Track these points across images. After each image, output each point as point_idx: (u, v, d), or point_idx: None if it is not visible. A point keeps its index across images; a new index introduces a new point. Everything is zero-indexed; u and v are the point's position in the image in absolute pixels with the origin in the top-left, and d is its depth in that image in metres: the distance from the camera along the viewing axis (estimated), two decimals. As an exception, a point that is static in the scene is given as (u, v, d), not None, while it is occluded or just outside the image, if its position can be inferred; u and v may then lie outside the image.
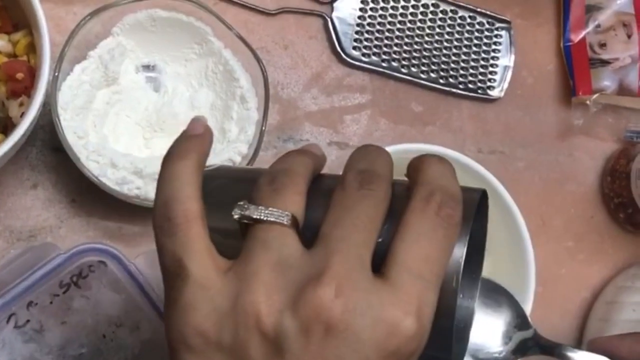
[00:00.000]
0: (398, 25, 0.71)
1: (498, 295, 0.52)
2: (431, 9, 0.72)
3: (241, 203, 0.36)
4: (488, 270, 0.44)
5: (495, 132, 0.73)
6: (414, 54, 0.71)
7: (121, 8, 0.61)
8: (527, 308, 0.63)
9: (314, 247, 0.35)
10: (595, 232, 0.74)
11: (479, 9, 0.73)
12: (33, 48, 0.58)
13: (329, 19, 0.70)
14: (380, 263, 0.35)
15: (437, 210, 0.35)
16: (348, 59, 0.70)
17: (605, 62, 0.74)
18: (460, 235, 0.35)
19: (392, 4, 0.71)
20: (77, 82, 0.60)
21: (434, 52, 0.72)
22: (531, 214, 0.68)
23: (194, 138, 0.39)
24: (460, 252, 0.35)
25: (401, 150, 0.61)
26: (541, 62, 0.75)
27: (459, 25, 0.72)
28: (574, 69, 0.74)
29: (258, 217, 0.35)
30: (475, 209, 0.37)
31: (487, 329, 0.51)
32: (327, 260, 0.34)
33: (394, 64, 0.71)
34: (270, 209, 0.35)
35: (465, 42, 0.72)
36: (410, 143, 0.66)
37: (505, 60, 0.73)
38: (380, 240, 0.35)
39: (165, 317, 0.36)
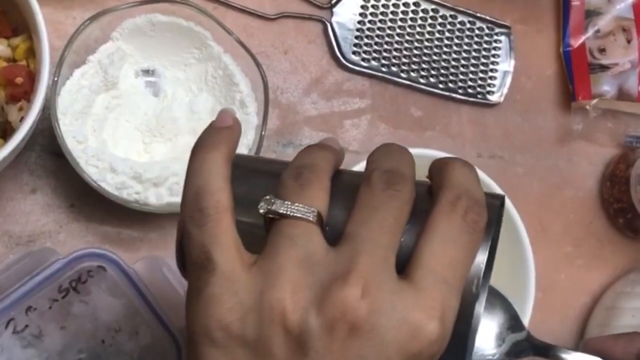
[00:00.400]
0: (398, 30, 0.71)
1: (491, 297, 0.52)
2: (431, 14, 0.72)
3: (268, 197, 0.36)
4: (488, 276, 0.44)
5: (494, 137, 0.73)
6: (414, 58, 0.71)
7: (120, 13, 0.61)
8: (527, 313, 0.63)
9: (339, 245, 0.35)
10: (595, 237, 0.74)
11: (478, 14, 0.73)
12: (32, 52, 0.58)
13: (328, 24, 0.70)
14: (401, 263, 0.35)
15: (464, 215, 0.35)
16: (348, 64, 0.70)
17: (604, 67, 0.74)
18: (482, 241, 0.36)
19: (392, 9, 0.71)
20: (76, 87, 0.60)
21: (434, 57, 0.72)
22: (530, 219, 0.68)
23: (224, 130, 0.40)
24: (482, 257, 0.36)
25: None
26: (541, 67, 0.75)
27: (458, 30, 0.72)
28: (574, 74, 0.74)
29: (284, 212, 0.35)
30: (497, 215, 0.37)
31: (481, 331, 0.51)
32: (353, 259, 0.34)
33: (394, 68, 0.71)
34: (296, 204, 0.35)
35: (465, 47, 0.72)
36: (410, 148, 0.66)
37: (505, 65, 0.73)
38: (401, 240, 0.35)
39: (188, 308, 0.36)
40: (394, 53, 0.71)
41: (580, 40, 0.74)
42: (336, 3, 0.70)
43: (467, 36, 0.73)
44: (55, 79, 0.58)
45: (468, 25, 0.73)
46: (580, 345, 0.70)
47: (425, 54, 0.72)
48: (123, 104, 0.63)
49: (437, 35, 0.72)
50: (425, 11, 0.72)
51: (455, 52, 0.72)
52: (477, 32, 0.73)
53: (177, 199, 0.60)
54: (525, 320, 0.62)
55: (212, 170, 0.37)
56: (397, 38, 0.71)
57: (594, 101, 0.72)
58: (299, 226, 0.35)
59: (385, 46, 0.71)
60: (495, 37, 0.73)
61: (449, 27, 0.72)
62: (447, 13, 0.72)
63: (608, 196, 0.74)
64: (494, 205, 0.37)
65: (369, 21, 0.71)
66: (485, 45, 0.73)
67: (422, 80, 0.71)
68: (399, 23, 0.71)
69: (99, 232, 0.63)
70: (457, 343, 0.35)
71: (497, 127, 0.73)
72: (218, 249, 0.35)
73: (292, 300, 0.33)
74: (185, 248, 0.36)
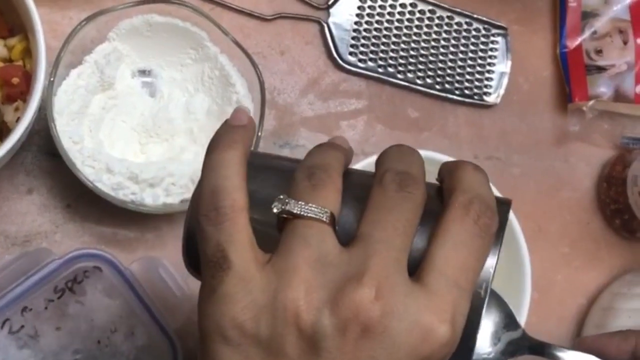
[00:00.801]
0: (394, 31, 0.71)
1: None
2: (428, 14, 0.72)
3: (282, 197, 0.36)
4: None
5: (491, 138, 0.73)
6: (411, 59, 0.71)
7: (117, 13, 0.61)
8: (523, 314, 0.63)
9: (352, 245, 0.35)
10: (591, 238, 0.74)
11: (475, 15, 0.73)
12: (29, 53, 0.58)
13: (325, 25, 0.70)
14: (412, 265, 0.35)
15: (476, 219, 0.35)
16: (344, 65, 0.70)
17: (601, 69, 0.74)
18: (493, 245, 0.36)
19: (388, 9, 0.71)
20: (72, 87, 0.60)
21: (431, 58, 0.72)
22: (527, 220, 0.68)
23: (240, 128, 0.39)
24: (491, 262, 0.36)
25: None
26: (537, 68, 0.75)
27: (455, 31, 0.72)
28: (570, 76, 0.74)
29: (298, 212, 0.35)
30: (506, 220, 0.37)
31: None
32: (367, 261, 0.34)
33: (390, 69, 0.71)
34: (310, 205, 0.35)
35: (462, 48, 0.72)
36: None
37: (502, 66, 0.73)
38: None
39: (201, 306, 0.36)
40: (391, 54, 0.71)
41: (577, 41, 0.75)
42: (333, 4, 0.70)
43: (464, 37, 0.73)
44: (52, 79, 0.58)
45: (465, 26, 0.73)
46: (574, 343, 0.70)
47: (421, 55, 0.72)
48: (119, 104, 0.63)
49: (434, 36, 0.72)
50: (422, 12, 0.72)
51: (451, 53, 0.72)
52: (473, 33, 0.73)
53: (173, 199, 0.60)
54: (522, 321, 0.62)
55: (229, 170, 0.37)
56: (393, 39, 0.71)
57: (591, 102, 0.72)
58: (313, 226, 0.35)
59: (382, 47, 0.71)
60: (491, 38, 0.73)
61: (445, 28, 0.72)
62: (444, 14, 0.72)
63: (605, 197, 0.74)
64: (503, 210, 0.37)
65: (366, 22, 0.71)
66: (481, 47, 0.73)
67: (418, 81, 0.71)
68: (396, 24, 0.71)
69: (95, 233, 0.63)
70: (463, 345, 0.36)
71: (493, 128, 0.73)
72: (233, 247, 0.35)
73: (306, 301, 0.34)
74: (200, 246, 0.37)
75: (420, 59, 0.71)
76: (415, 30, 0.72)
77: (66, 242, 0.62)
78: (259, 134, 0.62)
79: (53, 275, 0.56)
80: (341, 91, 0.70)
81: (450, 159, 0.63)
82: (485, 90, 0.73)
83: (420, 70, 0.71)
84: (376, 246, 0.34)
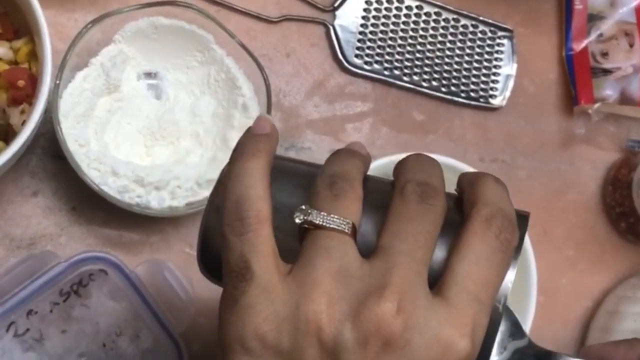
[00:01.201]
0: (400, 34, 0.71)
1: None
2: (433, 17, 0.72)
3: (303, 207, 0.36)
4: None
5: (497, 141, 0.73)
6: (416, 62, 0.71)
7: (123, 15, 0.61)
8: (529, 317, 0.63)
9: (373, 257, 0.35)
10: (597, 241, 0.74)
11: (481, 18, 0.73)
12: (34, 55, 0.58)
13: (331, 27, 0.70)
14: (432, 277, 0.35)
15: (498, 234, 0.35)
16: (350, 67, 0.70)
17: (607, 71, 0.74)
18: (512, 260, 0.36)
19: (394, 12, 0.71)
20: (78, 90, 0.60)
21: (436, 61, 0.72)
22: (532, 223, 0.66)
23: (263, 137, 0.39)
24: (510, 276, 0.36)
25: (403, 160, 0.61)
26: (543, 70, 0.75)
27: (461, 33, 0.72)
28: (576, 78, 0.74)
29: (321, 223, 0.35)
30: (524, 233, 0.37)
31: None
32: (388, 273, 0.34)
33: (396, 72, 0.71)
34: (332, 215, 0.35)
35: (467, 51, 0.72)
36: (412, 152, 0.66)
37: (507, 68, 0.73)
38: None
39: (222, 316, 0.36)
40: (397, 56, 0.71)
41: (583, 44, 0.74)
42: (339, 6, 0.70)
43: (470, 39, 0.73)
44: (57, 81, 0.58)
45: (470, 29, 0.73)
46: (580, 351, 0.70)
47: (427, 57, 0.71)
48: (125, 106, 0.63)
49: (440, 38, 0.72)
50: (427, 14, 0.72)
51: (457, 55, 0.72)
52: (479, 35, 0.73)
53: (179, 202, 0.60)
54: (528, 324, 0.62)
55: (252, 179, 0.37)
56: (399, 41, 0.71)
57: (597, 105, 0.72)
58: (334, 237, 0.35)
59: (388, 49, 0.71)
60: (497, 41, 0.73)
61: (451, 30, 0.72)
62: (450, 16, 0.72)
63: (610, 200, 0.74)
64: (522, 224, 0.37)
65: (372, 24, 0.70)
66: (487, 49, 0.73)
67: (424, 84, 0.71)
68: (402, 26, 0.71)
69: (100, 235, 0.63)
70: (479, 359, 0.36)
71: (499, 131, 0.73)
72: (256, 258, 0.35)
73: (328, 313, 0.34)
74: (223, 256, 0.36)
75: (426, 61, 0.71)
76: (421, 32, 0.71)
77: (71, 245, 0.62)
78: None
79: (58, 278, 0.56)
80: (347, 94, 0.70)
81: (457, 162, 0.63)
82: (491, 92, 0.73)
83: (425, 72, 0.71)
84: (397, 258, 0.34)
